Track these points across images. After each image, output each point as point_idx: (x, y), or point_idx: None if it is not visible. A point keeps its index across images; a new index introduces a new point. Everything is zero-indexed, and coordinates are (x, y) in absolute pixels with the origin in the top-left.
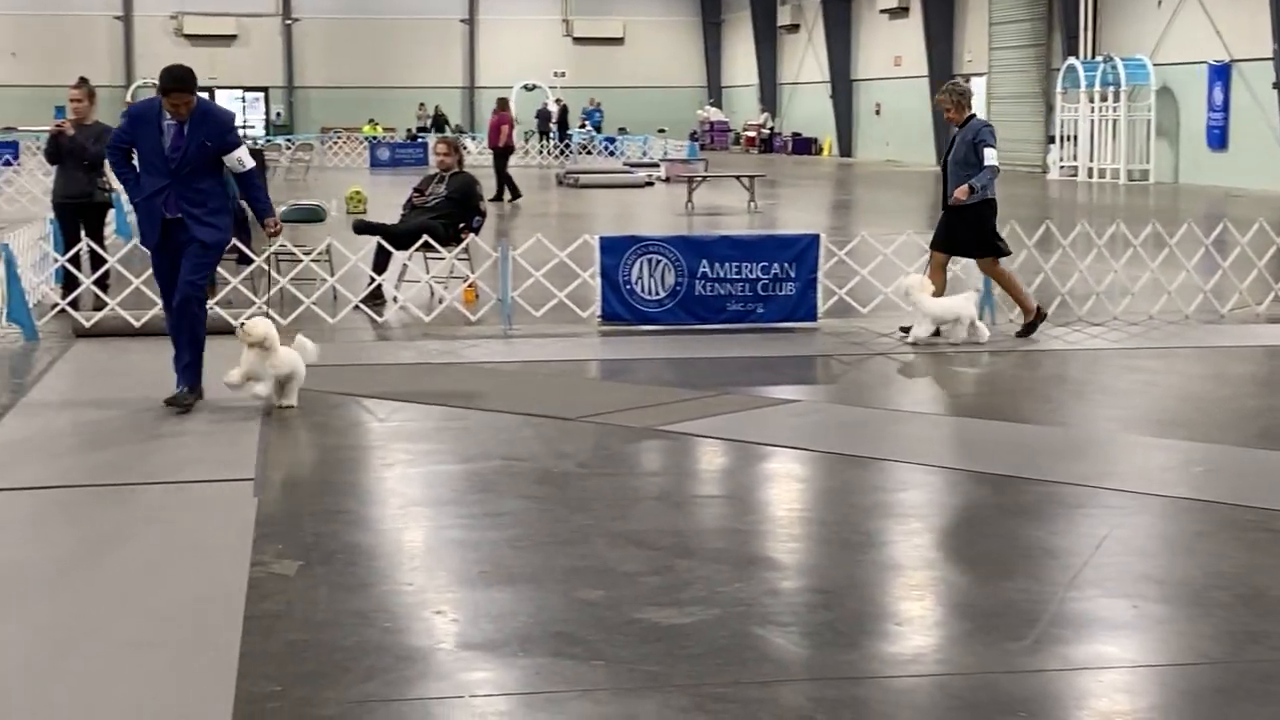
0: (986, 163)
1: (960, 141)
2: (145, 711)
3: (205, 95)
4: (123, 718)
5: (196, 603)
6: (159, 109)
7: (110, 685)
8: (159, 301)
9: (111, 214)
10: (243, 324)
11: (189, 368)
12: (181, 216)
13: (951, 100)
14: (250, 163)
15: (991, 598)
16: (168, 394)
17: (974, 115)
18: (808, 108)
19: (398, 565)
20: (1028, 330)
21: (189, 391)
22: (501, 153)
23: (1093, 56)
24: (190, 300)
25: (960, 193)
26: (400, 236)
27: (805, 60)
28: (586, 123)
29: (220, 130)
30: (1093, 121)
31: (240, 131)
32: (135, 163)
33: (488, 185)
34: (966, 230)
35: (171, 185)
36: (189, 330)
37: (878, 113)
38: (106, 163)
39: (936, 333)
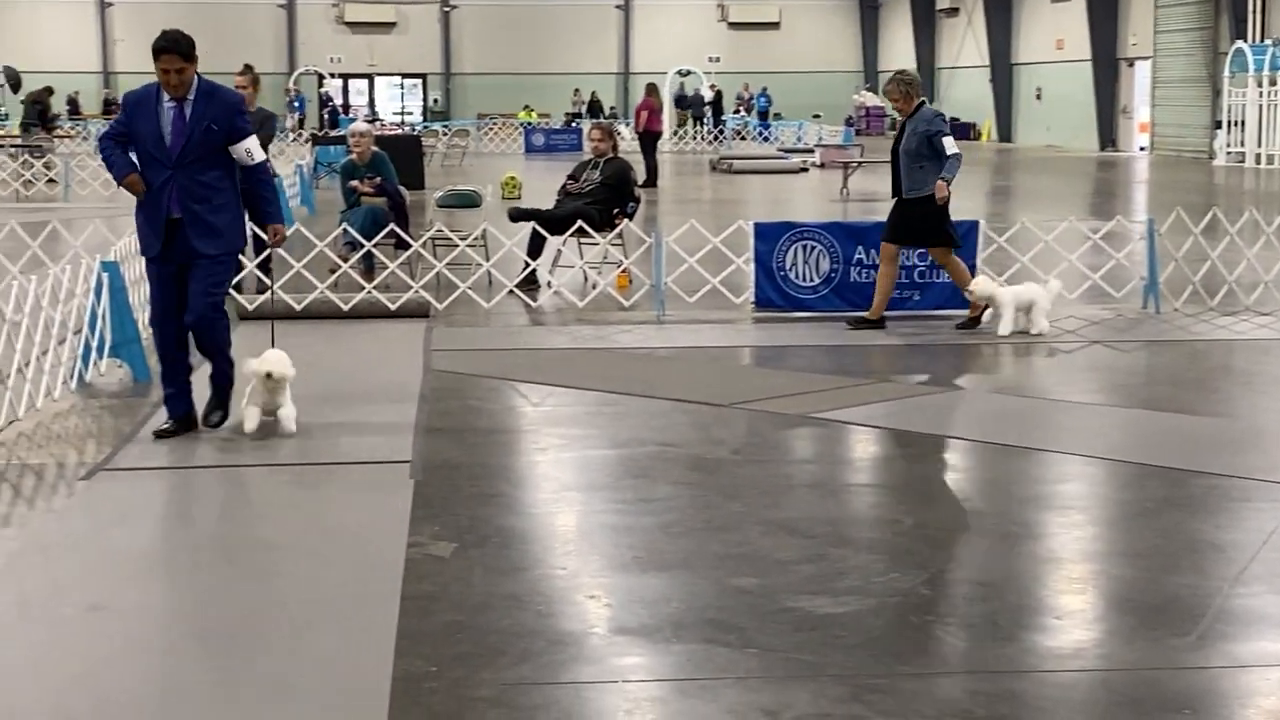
0: (949, 153)
1: (911, 132)
2: (307, 689)
3: (364, 82)
4: (286, 692)
5: (356, 582)
6: (157, 92)
7: (273, 660)
8: (317, 284)
9: None
10: (268, 372)
11: (214, 398)
12: (182, 217)
13: (900, 90)
14: (260, 155)
15: (1155, 592)
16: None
17: (924, 103)
18: (966, 92)
19: (551, 549)
20: (971, 324)
21: (181, 421)
22: (643, 138)
23: (1261, 40)
24: (208, 321)
25: (940, 191)
26: (555, 221)
27: (964, 44)
28: (741, 108)
29: (228, 113)
30: (1261, 106)
31: (374, 121)
32: (133, 157)
33: (642, 172)
34: (920, 220)
35: (175, 178)
36: (211, 351)
37: (1038, 97)
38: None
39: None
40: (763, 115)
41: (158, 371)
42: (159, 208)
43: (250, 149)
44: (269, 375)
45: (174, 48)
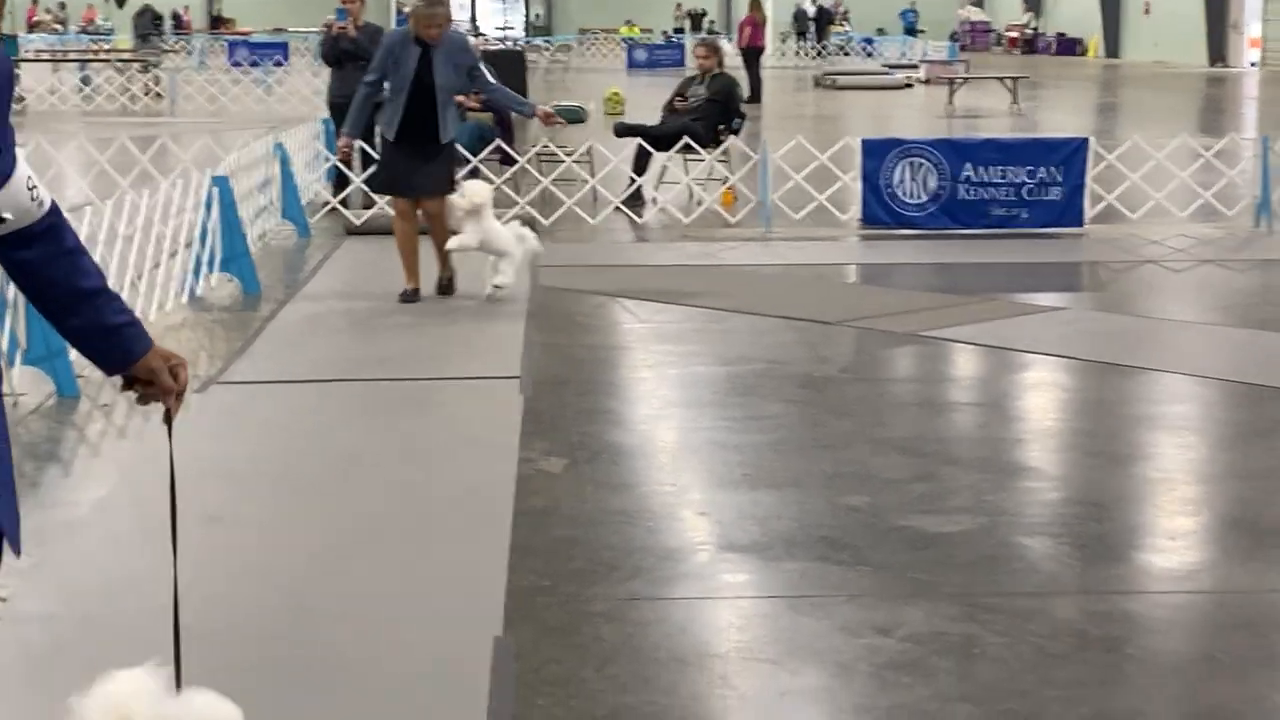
0: (495, 81)
1: (444, 62)
2: (422, 601)
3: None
4: (402, 607)
5: (468, 497)
6: None
7: (389, 576)
8: None
9: None
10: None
11: None
12: None
13: (447, 13)
14: (49, 201)
15: (1270, 514)
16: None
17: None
18: (1073, 7)
19: (660, 466)
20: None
21: None
22: (746, 53)
23: None
24: None
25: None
26: (660, 138)
27: None
28: (841, 21)
29: None
30: None
31: (478, 35)
32: None
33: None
34: (441, 165)
35: None
36: None
37: (1147, 12)
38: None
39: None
40: (910, 32)
41: (268, 284)
42: None
43: (33, 181)
44: None
45: None
